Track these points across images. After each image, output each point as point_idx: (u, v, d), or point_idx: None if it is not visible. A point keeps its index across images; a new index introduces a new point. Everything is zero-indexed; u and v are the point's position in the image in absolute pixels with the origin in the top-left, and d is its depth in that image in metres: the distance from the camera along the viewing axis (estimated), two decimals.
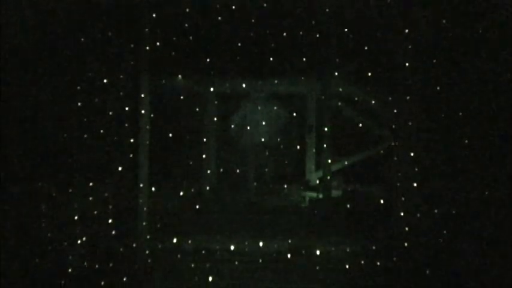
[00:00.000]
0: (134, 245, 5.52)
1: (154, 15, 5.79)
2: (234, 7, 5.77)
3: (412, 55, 5.35)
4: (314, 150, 10.48)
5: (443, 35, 5.22)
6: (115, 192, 5.98)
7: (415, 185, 5.23)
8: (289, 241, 5.80)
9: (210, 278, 5.11)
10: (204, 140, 9.26)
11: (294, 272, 5.31)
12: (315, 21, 7.63)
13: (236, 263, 5.35)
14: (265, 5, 5.76)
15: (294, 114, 11.79)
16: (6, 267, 4.13)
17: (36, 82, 5.01)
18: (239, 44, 10.54)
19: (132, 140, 6.16)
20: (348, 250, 5.62)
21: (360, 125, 9.80)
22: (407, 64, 5.35)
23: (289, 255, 5.53)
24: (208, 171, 9.21)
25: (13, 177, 4.47)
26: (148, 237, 5.50)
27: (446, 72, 5.15)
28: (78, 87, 6.39)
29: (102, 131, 6.58)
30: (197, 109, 10.54)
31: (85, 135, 6.43)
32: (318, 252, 5.61)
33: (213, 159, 10.17)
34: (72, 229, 4.61)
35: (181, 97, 10.80)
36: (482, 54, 4.72)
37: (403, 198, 5.30)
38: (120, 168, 7.01)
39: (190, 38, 9.87)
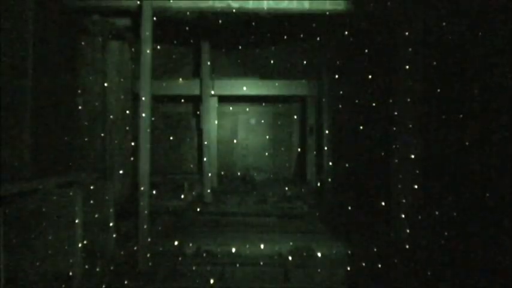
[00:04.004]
0: (135, 248, 5.54)
1: (155, 18, 5.82)
2: (234, 10, 5.78)
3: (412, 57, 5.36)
4: (315, 152, 10.49)
5: (442, 36, 5.23)
6: (116, 195, 6.00)
7: (415, 186, 5.23)
8: (291, 243, 5.80)
9: (212, 281, 5.12)
10: (205, 142, 9.27)
11: (295, 274, 5.31)
12: (315, 24, 7.66)
13: (237, 265, 5.36)
14: (265, 8, 5.78)
15: (295, 117, 11.82)
16: (6, 269, 4.14)
17: (36, 84, 5.03)
18: (240, 47, 10.57)
19: (132, 143, 6.16)
20: (348, 252, 5.62)
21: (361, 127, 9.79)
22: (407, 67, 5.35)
23: (290, 258, 5.54)
24: (209, 174, 9.21)
25: (14, 179, 4.48)
26: (149, 239, 5.51)
27: (445, 73, 5.16)
28: (79, 91, 6.43)
29: (102, 134, 6.60)
30: (198, 112, 10.56)
31: (86, 139, 6.46)
32: (319, 255, 5.62)
33: (214, 162, 10.18)
34: (73, 232, 4.62)
35: (182, 100, 10.84)
36: (482, 55, 4.73)
37: (403, 200, 5.30)
38: (121, 171, 7.03)
39: (191, 41, 9.89)
